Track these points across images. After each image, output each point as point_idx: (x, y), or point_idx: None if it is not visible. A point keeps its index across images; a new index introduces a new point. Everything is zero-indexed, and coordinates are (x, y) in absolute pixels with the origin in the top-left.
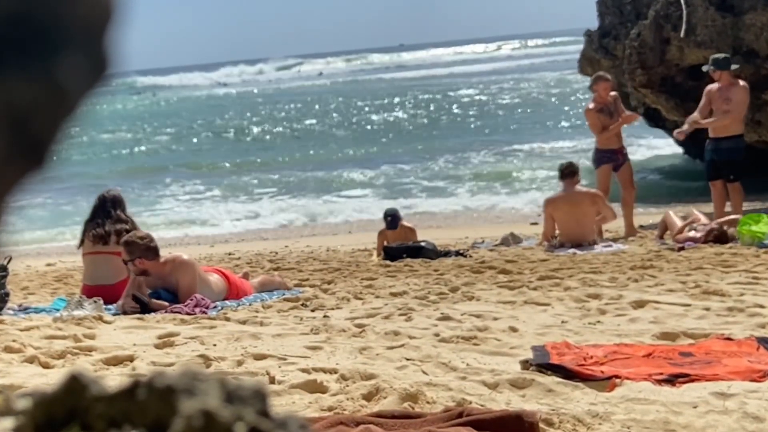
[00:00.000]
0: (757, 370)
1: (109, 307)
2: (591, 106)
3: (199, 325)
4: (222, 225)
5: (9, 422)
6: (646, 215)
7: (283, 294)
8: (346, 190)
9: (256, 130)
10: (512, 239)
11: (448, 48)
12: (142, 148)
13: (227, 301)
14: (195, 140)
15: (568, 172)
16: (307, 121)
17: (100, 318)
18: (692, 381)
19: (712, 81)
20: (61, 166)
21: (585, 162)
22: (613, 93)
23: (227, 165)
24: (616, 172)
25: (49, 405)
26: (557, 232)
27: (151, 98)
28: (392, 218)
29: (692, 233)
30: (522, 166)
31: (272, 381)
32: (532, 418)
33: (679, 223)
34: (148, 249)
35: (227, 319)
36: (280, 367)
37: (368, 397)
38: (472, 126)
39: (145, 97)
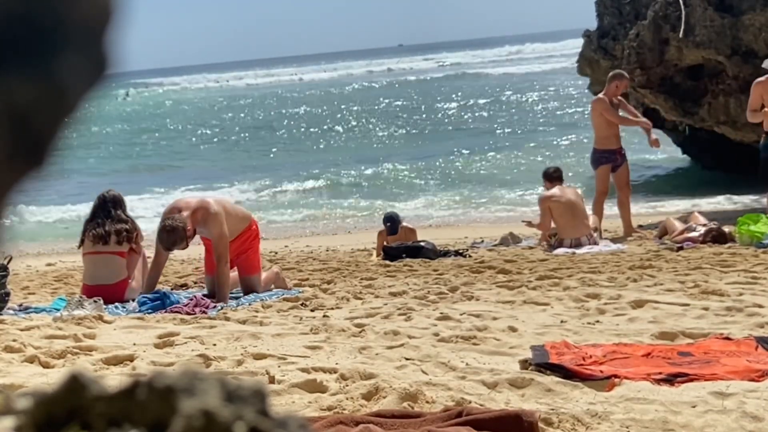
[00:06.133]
0: (755, 369)
1: (108, 306)
2: (601, 96)
3: (199, 324)
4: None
5: (9, 422)
6: (645, 215)
7: (283, 294)
8: None
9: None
10: (511, 239)
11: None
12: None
13: None
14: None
15: (557, 176)
16: None
17: (100, 318)
18: (691, 380)
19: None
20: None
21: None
22: (620, 97)
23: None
24: (613, 173)
25: (50, 405)
26: (553, 225)
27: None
28: (392, 223)
29: (691, 233)
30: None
31: (272, 381)
32: (531, 417)
33: (679, 226)
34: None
35: (227, 319)
36: (279, 366)
37: (368, 396)
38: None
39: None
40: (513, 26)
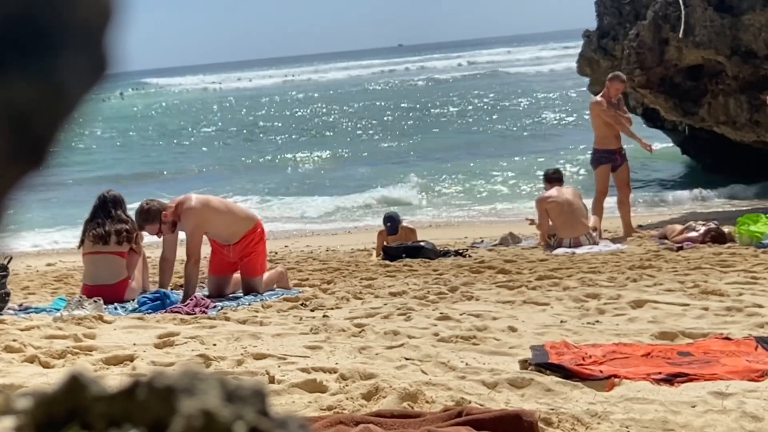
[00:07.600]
0: (755, 369)
1: (108, 306)
2: (599, 99)
3: (199, 324)
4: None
5: (9, 422)
6: (644, 216)
7: (283, 294)
8: None
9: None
10: (511, 239)
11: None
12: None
13: (226, 301)
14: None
15: (556, 177)
16: None
17: (100, 318)
18: (691, 380)
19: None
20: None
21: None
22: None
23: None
24: (613, 173)
25: (50, 405)
26: (550, 223)
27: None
28: (392, 224)
29: (691, 233)
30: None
31: (272, 380)
32: (530, 417)
33: (679, 228)
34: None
35: (227, 319)
36: (279, 366)
37: (368, 396)
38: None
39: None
40: (511, 26)
